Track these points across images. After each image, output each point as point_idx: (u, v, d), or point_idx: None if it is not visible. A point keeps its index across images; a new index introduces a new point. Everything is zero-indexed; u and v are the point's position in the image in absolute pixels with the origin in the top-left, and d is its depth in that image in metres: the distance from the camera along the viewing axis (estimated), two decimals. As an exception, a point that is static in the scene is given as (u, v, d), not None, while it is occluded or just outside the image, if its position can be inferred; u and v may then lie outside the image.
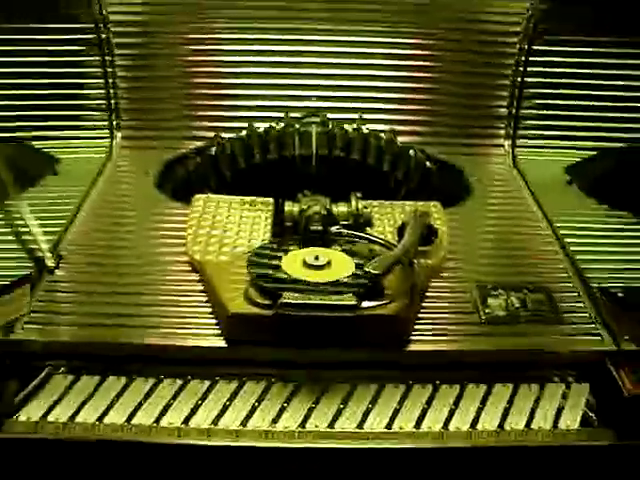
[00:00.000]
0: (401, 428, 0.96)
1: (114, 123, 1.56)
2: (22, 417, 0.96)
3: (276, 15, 1.52)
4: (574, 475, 0.96)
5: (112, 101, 1.55)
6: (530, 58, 1.55)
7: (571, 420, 0.98)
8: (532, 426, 0.97)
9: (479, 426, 0.97)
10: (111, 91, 1.54)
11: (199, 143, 1.55)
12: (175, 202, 1.39)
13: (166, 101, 1.57)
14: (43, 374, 1.01)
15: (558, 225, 1.32)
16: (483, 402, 1.00)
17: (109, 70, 1.53)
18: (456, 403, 1.00)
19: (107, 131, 1.56)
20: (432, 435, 0.96)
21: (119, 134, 1.56)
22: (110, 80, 1.54)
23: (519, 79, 1.56)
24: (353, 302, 0.98)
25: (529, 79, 1.57)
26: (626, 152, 1.51)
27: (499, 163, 1.56)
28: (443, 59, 1.58)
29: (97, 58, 1.52)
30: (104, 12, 1.49)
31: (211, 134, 1.54)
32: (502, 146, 1.58)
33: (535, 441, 0.96)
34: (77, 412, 0.97)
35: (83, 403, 0.98)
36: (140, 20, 1.53)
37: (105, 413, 0.97)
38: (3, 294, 0.97)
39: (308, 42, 1.55)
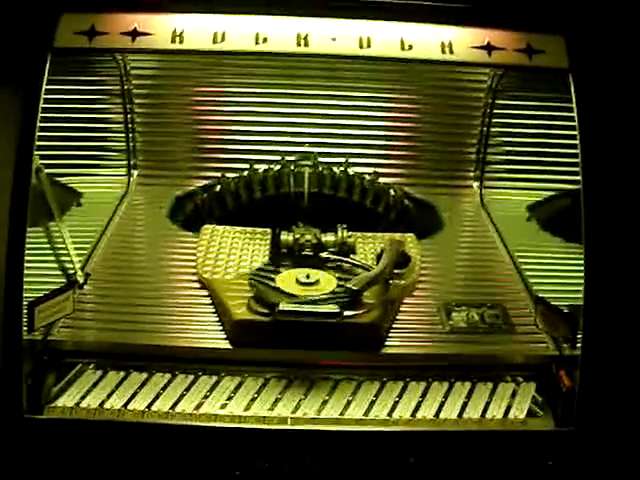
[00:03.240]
0: (376, 416, 1.12)
1: (131, 163, 1.72)
2: (59, 404, 1.12)
3: (274, 73, 1.67)
4: (520, 455, 1.13)
5: (130, 143, 1.71)
6: (495, 110, 1.72)
7: (519, 412, 1.15)
8: (486, 416, 1.14)
9: (442, 415, 1.13)
10: (130, 135, 1.71)
11: (206, 181, 1.70)
12: (185, 231, 1.55)
13: (177, 144, 1.73)
14: (75, 369, 1.18)
15: (516, 254, 1.49)
16: (445, 396, 1.16)
17: (129, 117, 1.70)
18: (423, 397, 1.16)
19: (125, 169, 1.72)
20: (402, 422, 1.12)
21: (135, 172, 1.72)
22: (129, 125, 1.70)
23: (486, 128, 1.73)
24: (336, 310, 1.17)
25: (494, 129, 1.73)
26: (578, 193, 1.70)
27: (468, 202, 1.72)
28: (420, 111, 1.74)
29: (119, 106, 1.69)
30: (127, 67, 1.66)
31: (217, 174, 1.69)
32: (471, 187, 1.75)
33: (489, 427, 1.13)
34: (105, 400, 1.12)
35: (110, 393, 1.13)
36: (156, 74, 1.69)
37: (129, 401, 1.12)
38: (52, 298, 1.16)
39: (302, 96, 1.70)
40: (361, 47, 1.18)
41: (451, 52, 1.20)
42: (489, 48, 1.21)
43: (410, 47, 1.19)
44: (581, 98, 1.21)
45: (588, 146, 1.20)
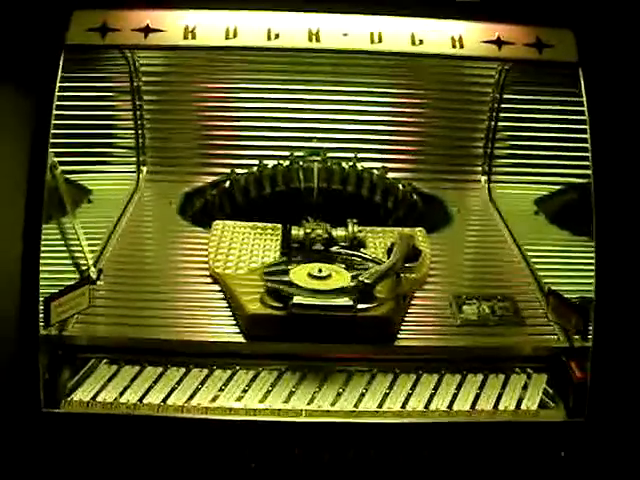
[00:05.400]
0: (389, 408, 1.13)
1: (141, 159, 1.73)
2: (75, 398, 1.13)
3: (282, 69, 1.68)
4: (533, 446, 1.14)
5: (140, 140, 1.72)
6: (502, 105, 1.73)
7: (531, 403, 1.16)
8: (499, 407, 1.14)
9: (454, 407, 1.14)
10: (139, 132, 1.72)
11: (215, 177, 1.70)
12: (195, 227, 1.56)
13: (186, 141, 1.74)
14: (90, 364, 1.19)
15: (525, 247, 1.51)
16: (458, 388, 1.18)
17: (138, 114, 1.71)
18: (435, 389, 1.17)
19: (135, 166, 1.73)
20: (415, 414, 1.13)
21: (145, 169, 1.73)
22: (138, 122, 1.71)
23: (493, 123, 1.74)
24: (350, 303, 1.18)
25: (502, 123, 1.74)
26: (586, 187, 1.71)
27: (476, 196, 1.73)
28: (428, 106, 1.75)
29: (128, 103, 1.70)
30: (136, 64, 1.67)
31: (225, 170, 1.69)
32: (479, 181, 1.76)
33: (501, 418, 1.14)
34: (120, 395, 1.13)
35: (126, 388, 1.15)
36: (165, 71, 1.70)
37: (144, 395, 1.14)
38: (67, 293, 1.17)
39: (311, 92, 1.71)
40: (372, 42, 1.19)
41: (461, 47, 1.21)
42: (499, 42, 1.22)
43: (421, 42, 1.20)
44: (591, 91, 1.21)
45: (598, 139, 1.21)
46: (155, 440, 1.12)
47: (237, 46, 1.19)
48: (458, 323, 1.28)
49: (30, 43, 1.16)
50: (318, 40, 1.19)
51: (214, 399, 1.14)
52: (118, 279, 1.37)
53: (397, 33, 1.20)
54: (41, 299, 1.12)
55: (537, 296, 1.36)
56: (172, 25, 1.19)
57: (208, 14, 1.20)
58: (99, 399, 1.13)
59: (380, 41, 1.19)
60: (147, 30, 1.18)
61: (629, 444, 1.14)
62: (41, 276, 1.12)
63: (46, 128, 1.12)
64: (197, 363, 1.20)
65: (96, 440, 1.12)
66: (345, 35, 1.19)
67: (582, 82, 1.22)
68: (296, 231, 1.43)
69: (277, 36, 1.18)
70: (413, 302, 1.32)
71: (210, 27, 1.19)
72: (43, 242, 1.13)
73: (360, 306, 1.19)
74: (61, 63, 1.15)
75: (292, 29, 1.19)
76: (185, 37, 1.18)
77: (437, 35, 1.21)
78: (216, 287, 1.34)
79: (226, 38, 1.18)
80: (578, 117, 1.75)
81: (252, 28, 1.19)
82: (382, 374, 1.19)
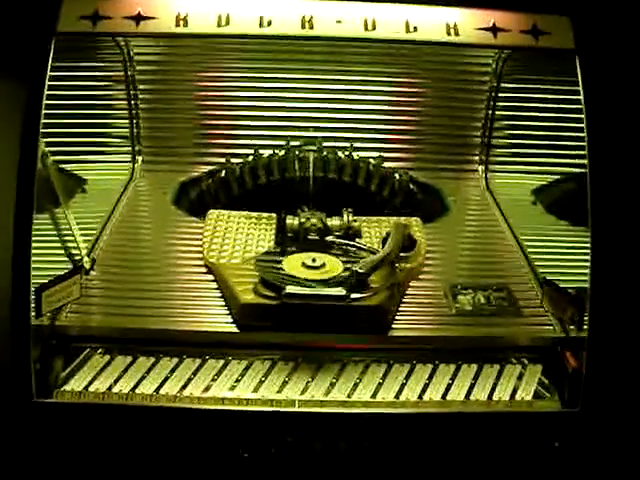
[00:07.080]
0: (383, 398, 1.13)
1: (136, 149, 1.72)
2: (67, 388, 1.12)
3: (279, 57, 1.67)
4: (527, 436, 1.14)
5: (134, 130, 1.71)
6: (499, 94, 1.72)
7: (526, 393, 1.15)
8: (493, 398, 1.14)
9: (448, 397, 1.14)
10: (134, 121, 1.70)
11: (211, 167, 1.69)
12: (190, 217, 1.55)
13: (181, 130, 1.73)
14: (83, 354, 1.19)
15: (522, 237, 1.50)
16: (452, 379, 1.17)
17: (133, 103, 1.69)
18: (429, 379, 1.17)
19: (129, 156, 1.72)
20: (409, 404, 1.13)
21: (140, 158, 1.72)
22: (133, 111, 1.70)
23: (490, 112, 1.73)
24: (343, 293, 1.17)
25: (499, 112, 1.73)
26: (583, 176, 1.70)
27: (473, 185, 1.72)
28: (425, 95, 1.74)
29: (123, 93, 1.69)
30: (131, 53, 1.65)
31: (221, 159, 1.68)
32: (476, 171, 1.75)
33: (495, 409, 1.13)
34: (113, 384, 1.13)
35: (118, 377, 1.15)
36: (160, 60, 1.69)
37: (137, 385, 1.13)
38: (59, 283, 1.16)
39: (307, 80, 1.70)
40: (366, 29, 1.18)
41: (456, 34, 1.20)
42: (495, 30, 1.21)
43: (415, 29, 1.19)
44: (587, 79, 1.20)
45: (595, 127, 1.19)
46: (148, 430, 1.11)
47: (229, 33, 1.18)
48: (453, 313, 1.27)
49: (20, 31, 1.15)
50: (311, 27, 1.17)
51: (207, 389, 1.13)
52: (112, 269, 1.36)
53: (391, 20, 1.19)
54: (32, 289, 1.12)
55: (533, 286, 1.35)
56: (164, 12, 1.18)
57: (200, 1, 1.18)
58: (92, 389, 1.13)
59: (374, 28, 1.18)
60: (139, 18, 1.17)
61: (623, 435, 1.14)
62: (34, 266, 1.11)
63: (37, 117, 1.11)
64: (190, 353, 1.19)
65: (89, 430, 1.12)
66: (339, 22, 1.18)
67: (579, 70, 1.20)
68: (291, 220, 1.42)
69: (270, 23, 1.17)
70: (408, 292, 1.31)
71: (202, 14, 1.18)
72: (36, 232, 1.12)
73: (354, 296, 1.18)
74: (52, 51, 1.14)
75: (285, 16, 1.18)
76: (177, 25, 1.17)
77: (432, 22, 1.20)
78: (210, 277, 1.33)
79: (218, 25, 1.17)
80: (576, 106, 1.73)
81: (245, 15, 1.18)
82: (376, 364, 1.18)
